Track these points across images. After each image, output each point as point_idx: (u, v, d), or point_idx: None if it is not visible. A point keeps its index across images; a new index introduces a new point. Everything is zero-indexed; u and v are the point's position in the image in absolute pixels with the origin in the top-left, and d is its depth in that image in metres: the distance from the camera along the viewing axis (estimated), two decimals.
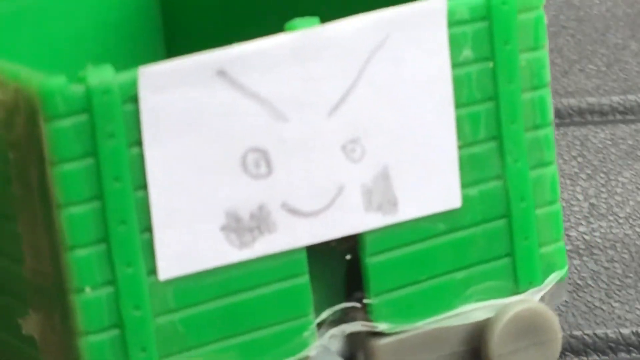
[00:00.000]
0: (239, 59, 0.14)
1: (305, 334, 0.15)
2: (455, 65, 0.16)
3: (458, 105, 0.16)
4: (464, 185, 0.16)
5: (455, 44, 0.16)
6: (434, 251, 0.16)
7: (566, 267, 0.18)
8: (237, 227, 0.15)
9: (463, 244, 0.16)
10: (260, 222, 0.15)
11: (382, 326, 0.16)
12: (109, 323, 0.14)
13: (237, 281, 0.15)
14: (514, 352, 0.17)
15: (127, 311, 0.14)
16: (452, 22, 0.15)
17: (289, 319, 0.15)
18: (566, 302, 0.29)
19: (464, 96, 0.16)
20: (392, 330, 0.16)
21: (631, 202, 0.32)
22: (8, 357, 0.16)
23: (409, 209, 0.16)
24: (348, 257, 0.16)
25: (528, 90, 0.17)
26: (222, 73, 0.14)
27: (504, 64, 0.16)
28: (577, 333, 0.28)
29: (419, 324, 0.16)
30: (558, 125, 0.36)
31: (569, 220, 0.31)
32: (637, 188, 0.33)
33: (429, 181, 0.16)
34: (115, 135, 0.14)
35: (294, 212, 0.15)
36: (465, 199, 0.16)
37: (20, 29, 0.22)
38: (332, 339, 0.16)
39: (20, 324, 0.15)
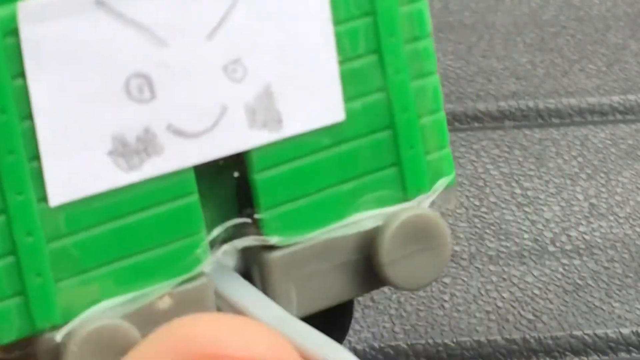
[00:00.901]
0: None
1: (198, 251, 0.16)
2: None
3: (336, 21, 0.16)
4: (347, 99, 0.16)
5: None
6: (321, 164, 0.16)
7: (453, 174, 0.18)
8: (124, 151, 0.15)
9: (349, 156, 0.17)
10: (146, 144, 0.15)
11: (273, 239, 0.16)
12: (3, 250, 0.15)
13: (127, 204, 0.15)
14: (405, 258, 0.17)
15: (20, 238, 0.15)
16: None
17: (181, 238, 0.16)
18: (566, 302, 0.29)
19: (341, 12, 0.16)
20: (283, 242, 0.16)
21: (631, 202, 0.32)
22: None
23: (294, 125, 0.16)
24: (236, 174, 0.16)
25: (405, 4, 0.17)
26: (100, 2, 0.15)
27: None
28: (577, 333, 0.28)
29: (310, 235, 0.17)
30: (558, 125, 0.36)
31: (569, 220, 0.32)
32: (637, 188, 0.33)
33: (312, 97, 0.16)
34: None
35: (179, 133, 0.15)
36: (349, 112, 0.16)
37: None
38: (226, 255, 0.17)
39: None
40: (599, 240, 0.30)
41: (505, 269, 0.30)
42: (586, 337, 0.28)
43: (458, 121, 0.37)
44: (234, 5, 0.16)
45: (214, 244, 0.16)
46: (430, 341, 0.28)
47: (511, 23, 0.44)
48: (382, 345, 0.28)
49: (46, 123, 0.15)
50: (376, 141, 0.17)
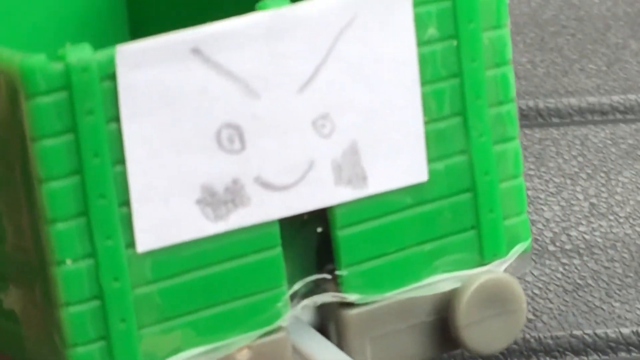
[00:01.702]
0: (213, 37, 0.15)
1: (279, 304, 0.16)
2: (420, 43, 0.16)
3: (424, 82, 0.16)
4: (431, 159, 0.16)
5: (420, 23, 0.16)
6: (402, 224, 0.16)
7: (529, 239, 0.19)
8: (212, 200, 0.15)
9: (430, 217, 0.17)
10: (234, 195, 0.15)
11: (352, 297, 0.16)
12: (89, 294, 0.15)
13: (212, 253, 0.15)
14: (480, 321, 0.17)
15: (106, 283, 0.15)
16: (417, 2, 0.16)
17: (263, 290, 0.16)
18: (566, 301, 0.28)
19: (429, 73, 0.16)
20: (362, 301, 0.16)
21: (631, 202, 0.32)
22: None
23: (378, 183, 0.16)
24: (319, 229, 0.16)
25: (491, 67, 0.17)
26: (196, 51, 0.14)
27: (468, 42, 0.16)
28: (577, 333, 0.28)
29: (388, 294, 0.17)
30: (558, 125, 0.36)
31: (569, 220, 0.32)
32: (637, 188, 0.34)
33: (397, 156, 0.16)
34: (94, 111, 0.14)
35: (266, 185, 0.15)
36: (432, 173, 0.16)
37: None
38: (304, 310, 0.17)
39: (1, 299, 0.16)
40: (599, 240, 0.30)
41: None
42: (586, 336, 0.28)
43: None
44: (325, 61, 0.15)
45: (293, 298, 0.16)
46: None
47: (511, 22, 0.42)
48: None
49: (138, 169, 0.15)
50: (457, 203, 0.17)
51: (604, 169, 0.35)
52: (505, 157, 0.17)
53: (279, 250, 0.16)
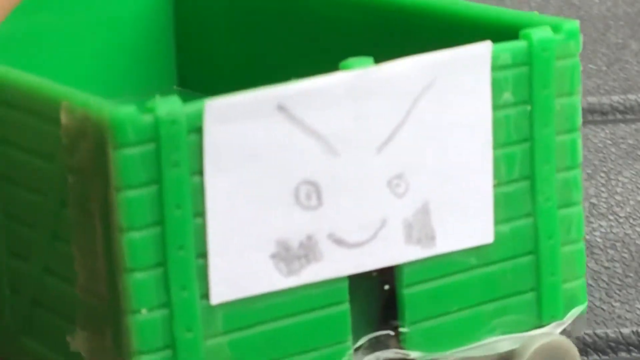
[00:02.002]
0: (298, 95, 0.15)
1: (344, 359, 0.16)
2: (495, 107, 0.16)
3: (496, 145, 0.16)
4: (497, 222, 0.17)
5: (497, 87, 0.16)
6: (466, 284, 0.17)
7: (586, 303, 0.19)
8: (287, 255, 0.15)
9: (493, 278, 0.17)
10: (308, 251, 0.15)
11: (414, 354, 0.16)
12: (162, 344, 0.15)
13: (283, 307, 0.15)
14: None
15: (180, 333, 0.15)
16: (496, 66, 0.16)
17: (329, 344, 0.16)
18: None
19: (502, 137, 0.16)
20: (423, 358, 0.17)
21: (631, 202, 0.31)
22: None
23: (446, 243, 0.16)
24: (386, 287, 0.16)
25: (561, 133, 0.17)
26: (282, 108, 0.15)
27: (541, 108, 0.17)
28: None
29: (448, 353, 0.17)
30: None
31: None
32: (637, 187, 0.33)
33: (465, 217, 0.16)
34: (180, 164, 0.14)
35: (340, 242, 0.15)
36: (498, 235, 0.16)
37: (40, 45, 0.23)
38: None
39: (68, 341, 0.16)
40: (599, 240, 0.30)
41: None
42: (586, 336, 0.27)
43: None
44: (404, 122, 0.16)
45: (357, 352, 0.16)
46: None
47: None
48: None
49: (217, 222, 0.15)
50: (520, 265, 0.17)
51: (604, 169, 0.34)
52: (569, 222, 0.18)
53: (347, 305, 0.16)
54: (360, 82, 0.15)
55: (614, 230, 0.31)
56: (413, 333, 0.17)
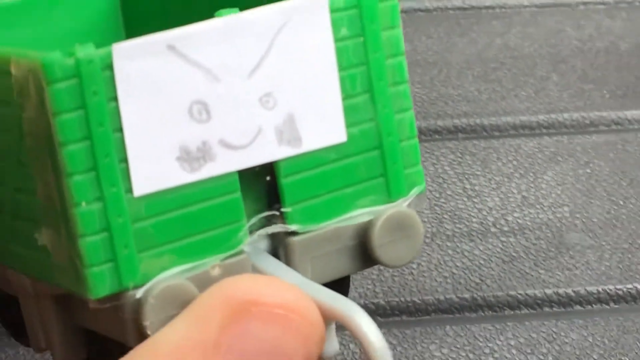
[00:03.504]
0: (183, 37, 0.17)
1: (240, 234, 0.18)
2: (336, 40, 0.19)
3: (340, 68, 0.19)
4: (348, 125, 0.19)
5: (335, 25, 0.18)
6: (330, 173, 0.19)
7: (424, 184, 0.20)
8: (188, 158, 0.18)
9: (350, 168, 0.19)
10: (204, 153, 0.18)
11: (294, 227, 0.18)
12: (100, 228, 0.17)
13: (189, 197, 0.18)
14: (389, 243, 0.19)
15: (113, 219, 0.17)
16: (333, 10, 0.18)
17: (228, 224, 0.18)
18: (504, 269, 0.34)
19: (344, 62, 0.19)
20: (302, 230, 0.18)
21: (553, 195, 0.38)
22: (26, 264, 0.19)
23: (310, 143, 0.18)
24: (268, 178, 0.19)
25: (389, 57, 0.19)
26: (171, 47, 0.17)
27: (371, 39, 0.19)
28: (513, 293, 0.34)
29: (322, 225, 0.19)
30: (498, 137, 0.41)
31: (506, 208, 0.38)
32: (557, 184, 0.39)
33: (323, 123, 0.19)
34: (98, 93, 0.16)
35: (227, 146, 0.18)
36: (349, 135, 0.19)
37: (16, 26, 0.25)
38: (259, 239, 0.18)
39: (36, 238, 0.18)
40: (529, 223, 0.36)
41: (459, 245, 0.35)
42: (519, 295, 0.34)
43: (423, 134, 0.41)
44: (267, 54, 0.18)
45: (251, 231, 0.19)
46: (402, 299, 0.33)
47: (462, 60, 0.48)
48: (366, 302, 0.33)
49: (132, 135, 0.17)
50: (369, 158, 0.19)
51: (532, 170, 0.40)
52: (403, 123, 0.20)
53: (238, 194, 0.18)
54: (231, 25, 0.18)
55: (540, 216, 0.37)
56: (293, 212, 0.18)
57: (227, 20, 0.17)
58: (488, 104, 0.44)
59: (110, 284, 0.17)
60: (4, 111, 0.18)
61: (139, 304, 0.17)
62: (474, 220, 0.38)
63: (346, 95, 0.19)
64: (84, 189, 0.16)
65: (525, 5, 0.50)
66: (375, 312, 0.34)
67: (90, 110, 0.16)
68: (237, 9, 0.18)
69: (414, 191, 0.20)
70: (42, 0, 0.25)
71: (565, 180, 0.40)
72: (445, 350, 0.33)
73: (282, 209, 0.18)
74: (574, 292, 0.35)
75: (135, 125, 0.17)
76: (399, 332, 0.33)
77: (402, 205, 0.19)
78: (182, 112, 0.17)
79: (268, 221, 0.19)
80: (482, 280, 0.35)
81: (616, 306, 0.34)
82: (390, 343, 0.30)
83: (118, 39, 0.24)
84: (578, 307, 0.34)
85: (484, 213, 0.39)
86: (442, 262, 0.36)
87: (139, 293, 0.17)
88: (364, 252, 0.19)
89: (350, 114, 0.19)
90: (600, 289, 0.35)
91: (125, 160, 0.17)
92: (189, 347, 0.16)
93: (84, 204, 0.16)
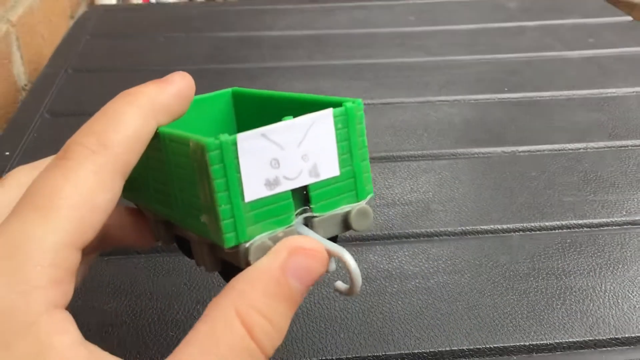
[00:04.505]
0: (269, 130, 0.23)
1: (291, 217, 0.24)
2: (335, 129, 0.24)
3: (337, 142, 0.24)
4: (340, 168, 0.25)
5: (335, 123, 0.24)
6: (331, 189, 0.25)
7: (373, 192, 0.27)
8: (269, 183, 0.23)
9: (340, 187, 0.25)
10: (276, 182, 0.23)
11: (316, 214, 0.24)
12: (230, 216, 0.22)
13: (269, 201, 0.23)
14: (358, 220, 0.25)
15: (236, 212, 0.23)
16: (334, 116, 0.24)
17: (286, 213, 0.24)
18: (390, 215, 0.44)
19: (338, 139, 0.24)
20: (319, 215, 0.24)
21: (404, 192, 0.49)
22: (195, 228, 0.24)
23: (323, 176, 0.24)
24: (305, 192, 0.24)
25: (359, 137, 0.25)
26: (263, 134, 0.23)
27: (351, 129, 0.25)
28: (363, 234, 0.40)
29: (327, 213, 0.25)
30: (386, 161, 0.51)
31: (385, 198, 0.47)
32: (408, 190, 0.49)
33: (329, 167, 0.24)
34: (229, 157, 0.22)
35: (286, 178, 0.24)
36: (340, 172, 0.25)
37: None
38: (300, 219, 0.24)
39: (201, 218, 0.23)
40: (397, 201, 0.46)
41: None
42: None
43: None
44: (305, 136, 0.23)
45: (296, 215, 0.24)
46: None
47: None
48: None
49: (245, 174, 0.22)
50: (348, 182, 0.25)
51: (404, 177, 0.50)
52: (365, 166, 0.25)
53: (290, 200, 0.23)
54: (289, 124, 0.23)
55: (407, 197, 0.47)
56: (315, 207, 0.24)
57: (288, 122, 0.23)
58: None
59: (234, 241, 0.22)
60: (185, 161, 0.23)
61: (247, 250, 0.23)
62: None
63: (339, 154, 0.24)
64: (223, 199, 0.22)
65: None
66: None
67: (227, 164, 0.22)
68: (292, 116, 0.23)
69: (369, 196, 0.25)
70: (196, 102, 0.29)
71: None
72: None
73: (310, 206, 0.24)
74: None
75: (246, 170, 0.22)
76: None
77: (363, 203, 0.25)
78: (267, 163, 0.23)
79: (304, 211, 0.24)
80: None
81: None
82: None
83: (232, 126, 0.31)
84: None
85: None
86: None
87: (247, 245, 0.23)
88: (345, 224, 0.25)
89: (341, 163, 0.24)
90: None
91: (241, 184, 0.22)
92: (270, 268, 0.22)
93: (223, 205, 0.22)
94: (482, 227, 0.43)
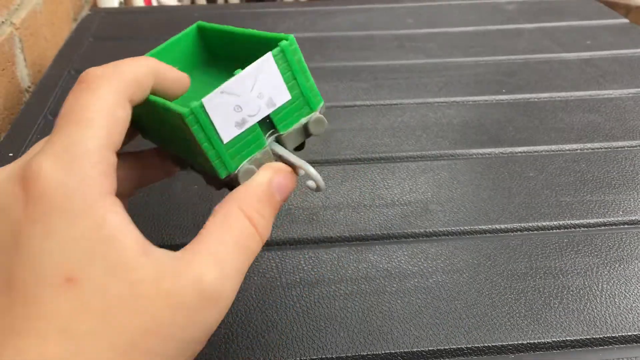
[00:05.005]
0: (225, 86, 0.28)
1: (263, 141, 0.29)
2: (277, 65, 0.29)
3: (282, 74, 0.29)
4: (290, 92, 0.30)
5: (275, 60, 0.29)
6: (289, 110, 0.30)
7: (323, 101, 0.31)
8: (238, 124, 0.29)
9: (295, 106, 0.30)
10: (243, 122, 0.29)
11: (282, 132, 0.30)
12: (217, 156, 0.29)
13: (243, 136, 0.29)
14: (315, 126, 0.30)
15: (220, 152, 0.28)
16: (273, 55, 0.29)
17: (258, 139, 0.29)
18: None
19: (283, 73, 0.29)
20: (285, 132, 0.30)
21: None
22: (202, 166, 0.30)
23: (278, 103, 0.29)
24: (267, 120, 0.30)
25: (299, 64, 0.30)
26: (222, 91, 0.28)
27: (291, 61, 0.29)
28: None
29: (291, 128, 0.30)
30: (385, 162, 0.52)
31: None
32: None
33: (281, 96, 0.29)
34: (202, 117, 0.27)
35: (250, 116, 0.29)
36: (291, 96, 0.30)
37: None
38: (271, 140, 0.30)
39: (200, 162, 0.29)
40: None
41: None
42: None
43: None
44: (256, 80, 0.28)
45: (267, 137, 0.30)
46: None
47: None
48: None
49: (218, 124, 0.27)
50: (300, 101, 0.30)
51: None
52: (312, 86, 0.30)
53: (258, 129, 0.29)
54: (241, 76, 0.27)
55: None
56: (279, 127, 0.30)
57: (237, 76, 0.28)
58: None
59: (225, 173, 0.28)
60: (177, 122, 0.28)
61: (236, 176, 0.29)
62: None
63: (286, 83, 0.29)
64: (208, 147, 0.28)
65: None
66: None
67: (202, 122, 0.27)
68: (241, 69, 0.28)
69: (320, 105, 0.30)
70: (169, 45, 0.35)
71: None
72: None
73: (277, 127, 0.30)
74: None
75: (219, 120, 0.28)
76: None
77: (317, 113, 0.30)
78: (231, 111, 0.28)
79: (272, 132, 0.30)
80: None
81: None
82: None
83: (203, 57, 0.36)
84: None
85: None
86: None
87: (236, 172, 0.29)
88: (306, 133, 0.30)
89: (289, 89, 0.29)
90: None
91: (217, 132, 0.28)
92: (261, 183, 0.28)
93: (209, 151, 0.28)
94: (480, 227, 0.42)
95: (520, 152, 0.51)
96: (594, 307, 0.36)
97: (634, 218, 0.43)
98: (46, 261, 0.22)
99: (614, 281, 0.38)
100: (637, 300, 0.36)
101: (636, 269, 0.39)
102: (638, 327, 0.34)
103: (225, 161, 0.28)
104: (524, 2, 0.88)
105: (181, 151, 0.31)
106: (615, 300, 0.36)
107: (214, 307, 0.24)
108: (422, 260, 0.39)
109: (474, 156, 0.51)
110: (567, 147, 0.52)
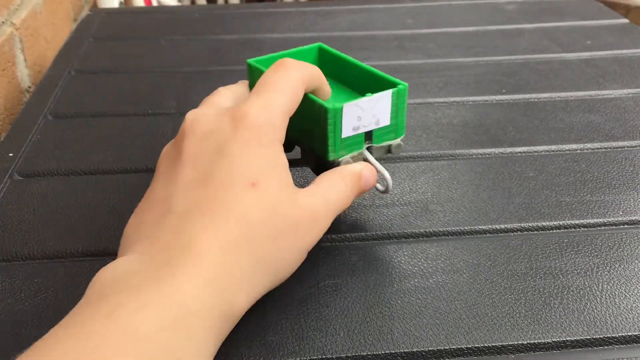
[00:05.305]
0: (358, 102, 0.39)
1: (362, 146, 0.40)
2: (392, 102, 0.40)
3: (392, 108, 0.41)
4: (391, 120, 0.41)
5: (392, 98, 0.40)
6: (385, 131, 0.41)
7: (404, 133, 0.42)
8: (355, 129, 0.40)
9: (389, 130, 0.41)
10: (358, 128, 0.40)
11: (374, 144, 0.41)
12: (334, 145, 0.40)
13: (353, 138, 0.40)
14: (396, 149, 0.42)
15: (337, 143, 0.40)
16: (392, 95, 0.40)
17: (359, 144, 0.40)
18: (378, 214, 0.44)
19: (392, 108, 0.41)
20: (376, 145, 0.41)
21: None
22: (312, 148, 0.40)
23: (381, 124, 0.41)
24: (370, 131, 0.41)
25: (402, 106, 0.41)
26: (355, 104, 0.39)
27: (400, 101, 0.41)
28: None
29: (381, 144, 0.41)
30: (385, 162, 0.50)
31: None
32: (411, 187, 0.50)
33: (384, 119, 0.41)
34: (338, 117, 0.38)
35: (364, 127, 0.40)
36: (390, 123, 0.41)
37: None
38: (365, 147, 0.41)
39: (315, 145, 0.40)
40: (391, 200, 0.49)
41: None
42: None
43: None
44: (376, 104, 0.39)
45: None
46: None
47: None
48: None
49: (344, 124, 0.39)
50: (393, 127, 0.41)
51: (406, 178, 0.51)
52: (403, 122, 0.41)
53: (363, 137, 0.40)
54: (370, 98, 0.39)
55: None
56: (374, 140, 0.41)
57: (368, 98, 0.39)
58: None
59: (334, 156, 0.39)
60: (316, 112, 0.38)
61: (339, 162, 0.39)
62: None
63: (391, 113, 0.40)
64: (331, 136, 0.38)
65: None
66: None
67: (336, 119, 0.38)
68: (371, 94, 0.39)
69: (401, 136, 0.41)
70: (291, 52, 0.45)
71: None
72: None
73: (372, 139, 0.40)
74: None
75: (345, 121, 0.38)
76: None
77: (399, 140, 0.41)
78: (355, 119, 0.38)
79: (368, 143, 0.40)
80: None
81: None
82: None
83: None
84: None
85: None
86: None
87: (340, 159, 0.39)
88: (388, 150, 0.41)
89: (391, 118, 0.40)
90: None
91: (341, 129, 0.38)
92: (355, 169, 0.39)
93: (331, 139, 0.38)
94: (480, 227, 0.42)
95: (520, 152, 0.52)
96: (594, 307, 0.36)
97: (634, 218, 0.43)
98: (240, 167, 0.33)
99: (614, 281, 0.38)
100: (637, 301, 0.36)
101: (636, 269, 0.39)
102: (638, 327, 0.35)
103: (337, 149, 0.39)
104: (524, 2, 0.88)
105: (302, 135, 0.40)
106: (616, 300, 0.37)
107: (318, 227, 0.35)
108: (422, 260, 0.40)
109: (474, 156, 0.51)
110: (567, 147, 0.52)
